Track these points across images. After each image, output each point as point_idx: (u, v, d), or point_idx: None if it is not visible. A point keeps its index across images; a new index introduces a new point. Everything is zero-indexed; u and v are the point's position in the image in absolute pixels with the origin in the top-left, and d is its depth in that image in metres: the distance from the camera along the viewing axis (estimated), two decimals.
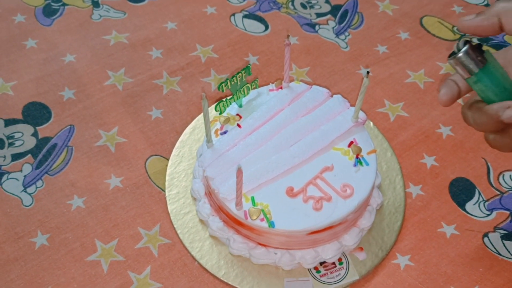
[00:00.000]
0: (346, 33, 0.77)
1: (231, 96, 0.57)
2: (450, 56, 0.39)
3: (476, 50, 0.38)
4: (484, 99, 0.41)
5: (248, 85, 0.58)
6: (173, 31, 0.77)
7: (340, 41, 0.76)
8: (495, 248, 0.57)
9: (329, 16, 0.80)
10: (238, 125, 0.58)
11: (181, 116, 0.67)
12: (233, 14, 0.79)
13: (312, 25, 0.78)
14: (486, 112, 0.40)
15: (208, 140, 0.56)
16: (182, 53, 0.74)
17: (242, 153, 0.55)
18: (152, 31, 0.77)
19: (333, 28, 0.78)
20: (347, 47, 0.76)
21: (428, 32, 0.78)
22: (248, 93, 0.59)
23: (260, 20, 0.79)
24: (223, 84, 0.55)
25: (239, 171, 0.47)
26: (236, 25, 0.78)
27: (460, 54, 0.38)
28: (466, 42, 0.38)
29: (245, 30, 0.77)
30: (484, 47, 0.40)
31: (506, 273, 0.55)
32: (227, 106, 0.58)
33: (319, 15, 0.80)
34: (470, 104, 0.42)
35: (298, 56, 0.74)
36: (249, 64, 0.56)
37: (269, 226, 0.51)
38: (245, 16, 0.79)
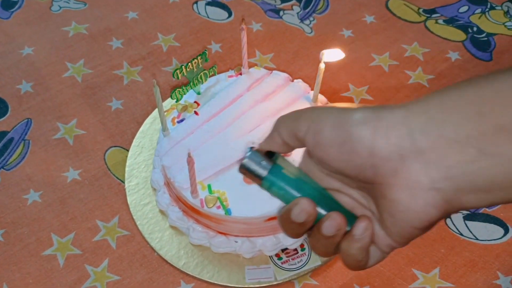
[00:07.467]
0: (311, 18, 0.76)
1: (188, 83, 0.56)
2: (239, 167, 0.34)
3: (263, 155, 0.33)
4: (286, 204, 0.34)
5: (206, 71, 0.57)
6: (134, 21, 0.75)
7: (304, 26, 0.75)
8: (457, 229, 0.56)
9: (293, 1, 0.79)
10: (196, 113, 0.57)
11: (142, 106, 0.66)
12: (196, 2, 0.78)
13: (276, 11, 0.77)
14: (280, 217, 0.34)
15: (164, 129, 0.55)
16: (143, 42, 0.73)
17: (198, 141, 0.54)
18: (112, 21, 0.75)
19: (297, 13, 0.77)
20: (311, 32, 0.75)
21: (394, 15, 0.77)
22: (206, 80, 0.58)
23: (223, 7, 0.77)
24: (178, 71, 0.54)
25: (190, 159, 0.46)
26: (199, 13, 0.76)
27: (244, 161, 0.33)
28: (251, 148, 0.33)
29: (208, 17, 0.76)
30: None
31: (467, 253, 0.54)
32: (184, 94, 0.56)
33: (283, 0, 0.79)
34: (280, 213, 0.35)
35: (262, 43, 0.73)
36: (205, 50, 0.55)
37: (225, 213, 0.50)
38: (208, 4, 0.78)
